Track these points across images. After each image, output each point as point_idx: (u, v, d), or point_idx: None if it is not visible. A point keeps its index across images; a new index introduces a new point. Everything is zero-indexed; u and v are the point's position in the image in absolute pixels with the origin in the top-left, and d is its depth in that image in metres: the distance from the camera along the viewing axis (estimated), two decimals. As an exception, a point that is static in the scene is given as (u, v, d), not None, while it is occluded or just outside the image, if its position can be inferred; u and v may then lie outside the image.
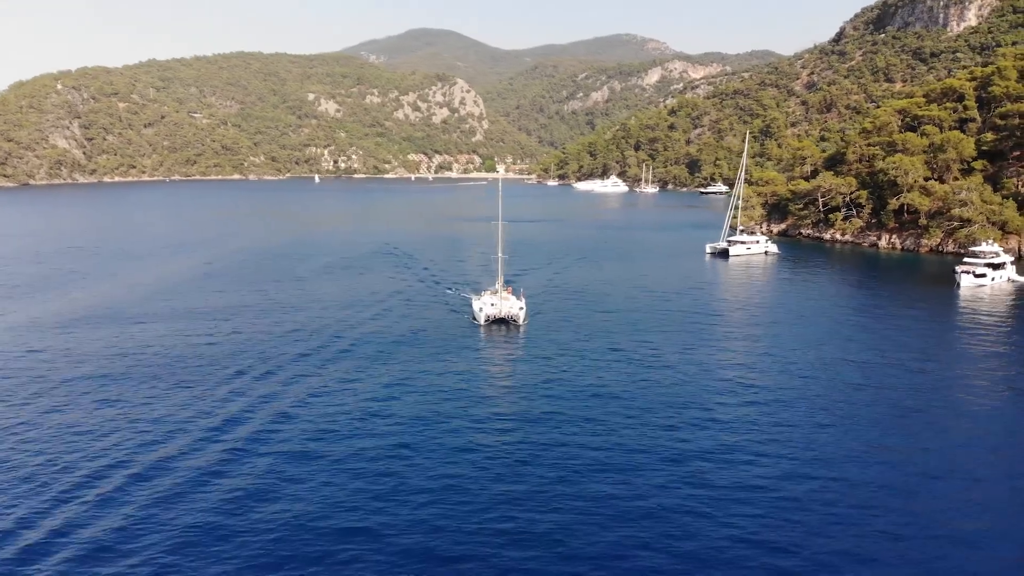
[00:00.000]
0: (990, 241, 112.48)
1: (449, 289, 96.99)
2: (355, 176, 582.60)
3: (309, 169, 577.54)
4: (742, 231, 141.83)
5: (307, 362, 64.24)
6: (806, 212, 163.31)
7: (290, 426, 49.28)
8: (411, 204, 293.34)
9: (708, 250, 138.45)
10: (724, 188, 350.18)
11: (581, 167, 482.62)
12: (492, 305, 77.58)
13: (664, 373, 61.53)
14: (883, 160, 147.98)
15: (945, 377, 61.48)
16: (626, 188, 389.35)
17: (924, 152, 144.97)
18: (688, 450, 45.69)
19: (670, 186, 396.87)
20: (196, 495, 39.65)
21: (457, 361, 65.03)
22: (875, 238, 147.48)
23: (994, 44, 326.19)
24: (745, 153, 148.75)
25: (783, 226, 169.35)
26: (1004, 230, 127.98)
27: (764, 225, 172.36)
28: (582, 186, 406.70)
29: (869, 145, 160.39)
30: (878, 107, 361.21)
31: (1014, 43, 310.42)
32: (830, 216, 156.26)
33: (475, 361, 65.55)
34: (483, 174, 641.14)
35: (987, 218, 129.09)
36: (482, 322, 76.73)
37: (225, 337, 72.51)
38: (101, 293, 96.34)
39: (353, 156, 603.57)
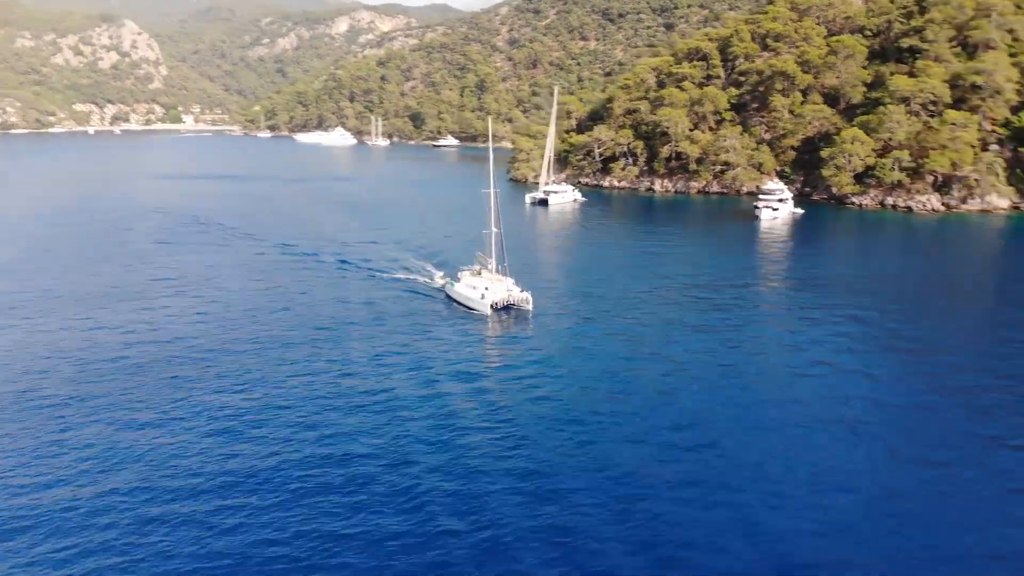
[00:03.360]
0: (775, 180, 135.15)
1: (433, 276, 79.49)
2: (14, 131, 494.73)
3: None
4: (555, 182, 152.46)
5: (300, 367, 52.52)
6: (585, 162, 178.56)
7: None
8: (139, 162, 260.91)
9: (528, 200, 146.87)
10: (455, 142, 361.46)
11: (292, 118, 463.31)
12: (488, 289, 66.15)
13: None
14: (653, 113, 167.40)
15: (774, 278, 77.08)
16: (354, 141, 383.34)
17: (685, 106, 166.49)
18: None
19: (395, 139, 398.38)
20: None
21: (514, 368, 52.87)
22: (649, 183, 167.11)
23: (672, 7, 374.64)
24: (555, 109, 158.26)
25: (563, 176, 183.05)
26: (760, 171, 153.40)
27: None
28: (305, 138, 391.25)
29: (632, 100, 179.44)
30: (578, 64, 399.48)
31: (688, 5, 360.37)
32: (610, 165, 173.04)
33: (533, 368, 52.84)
34: (170, 125, 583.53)
35: (747, 161, 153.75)
36: (487, 311, 64.84)
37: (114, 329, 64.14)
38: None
39: (9, 109, 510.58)
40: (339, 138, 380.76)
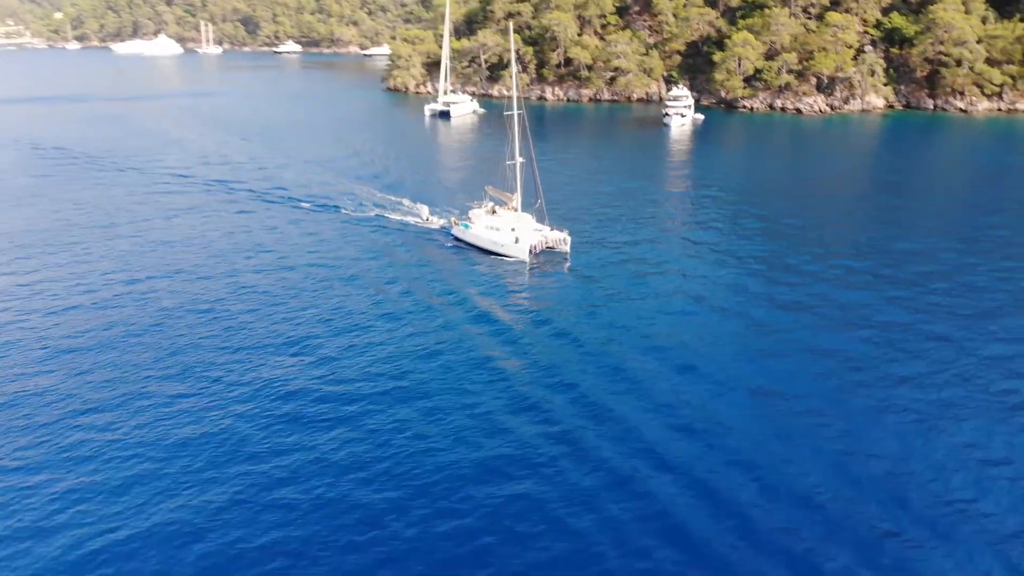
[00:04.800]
0: (680, 86, 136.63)
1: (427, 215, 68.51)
2: None
3: None
4: (453, 92, 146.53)
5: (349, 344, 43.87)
6: (470, 69, 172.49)
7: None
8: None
9: (428, 112, 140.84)
10: (297, 48, 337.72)
11: (103, 26, 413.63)
12: (515, 230, 56.81)
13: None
14: (536, 17, 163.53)
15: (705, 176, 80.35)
16: (181, 50, 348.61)
17: (570, 9, 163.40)
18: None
19: (227, 46, 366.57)
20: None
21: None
22: (540, 91, 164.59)
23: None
24: (448, 9, 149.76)
25: (447, 85, 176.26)
26: (650, 76, 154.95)
27: (426, 84, 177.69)
28: (124, 49, 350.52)
29: (513, 2, 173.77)
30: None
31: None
32: (500, 73, 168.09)
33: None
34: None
35: (637, 67, 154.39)
36: (524, 256, 55.74)
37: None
38: None
39: None
40: (164, 47, 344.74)
